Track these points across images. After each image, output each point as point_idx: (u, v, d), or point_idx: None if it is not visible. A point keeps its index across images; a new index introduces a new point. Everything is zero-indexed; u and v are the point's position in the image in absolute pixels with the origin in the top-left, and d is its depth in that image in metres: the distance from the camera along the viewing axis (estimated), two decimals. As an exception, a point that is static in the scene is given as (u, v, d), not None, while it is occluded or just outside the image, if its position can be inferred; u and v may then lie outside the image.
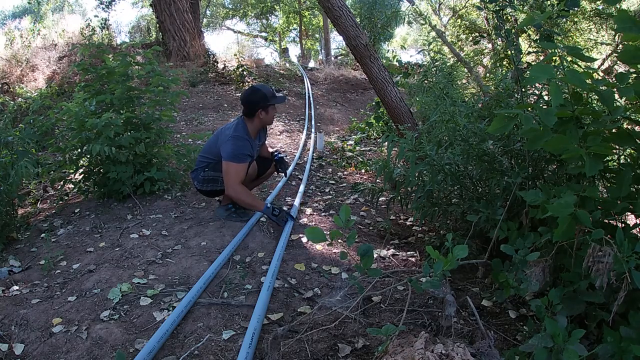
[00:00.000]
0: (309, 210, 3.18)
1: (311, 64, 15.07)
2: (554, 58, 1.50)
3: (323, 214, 3.14)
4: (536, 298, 1.54)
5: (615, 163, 1.61)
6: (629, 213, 1.49)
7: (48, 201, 3.69)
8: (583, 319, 1.52)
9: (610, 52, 8.89)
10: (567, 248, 1.51)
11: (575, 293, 1.47)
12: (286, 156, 4.99)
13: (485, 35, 9.08)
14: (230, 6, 20.92)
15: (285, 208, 3.22)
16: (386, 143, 2.49)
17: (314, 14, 18.30)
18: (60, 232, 2.92)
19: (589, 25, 9.29)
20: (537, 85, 1.97)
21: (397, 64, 7.32)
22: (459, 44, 10.59)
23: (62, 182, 3.46)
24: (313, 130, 6.59)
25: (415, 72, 6.24)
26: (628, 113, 1.49)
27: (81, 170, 3.44)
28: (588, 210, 1.36)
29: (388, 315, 1.83)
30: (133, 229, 2.81)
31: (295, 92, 9.51)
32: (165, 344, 1.64)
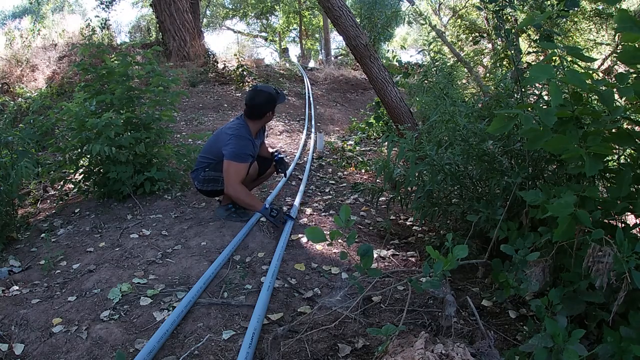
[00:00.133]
0: (309, 210, 3.18)
1: (311, 64, 15.07)
2: (554, 58, 1.50)
3: (323, 214, 3.14)
4: (536, 298, 1.54)
5: (615, 163, 1.61)
6: (629, 213, 1.49)
7: (48, 201, 3.69)
8: (583, 319, 1.52)
9: (610, 52, 8.89)
10: (567, 248, 1.51)
11: (575, 293, 1.47)
12: (286, 156, 4.99)
13: (485, 35, 9.08)
14: (230, 6, 20.92)
15: (285, 208, 3.22)
16: (386, 143, 2.49)
17: (314, 14, 18.30)
18: (60, 232, 2.92)
19: (589, 25, 9.29)
20: (537, 85, 1.97)
21: (397, 64, 7.32)
22: (459, 44, 10.59)
23: (62, 182, 3.46)
24: (313, 130, 6.59)
25: (415, 72, 6.24)
26: (628, 113, 1.49)
27: (81, 170, 3.44)
28: (588, 210, 1.36)
29: (388, 315, 1.83)
30: (133, 229, 2.81)
31: (295, 92, 9.51)
32: (165, 344, 1.64)
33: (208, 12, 20.10)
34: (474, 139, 2.15)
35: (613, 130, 1.42)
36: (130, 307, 1.91)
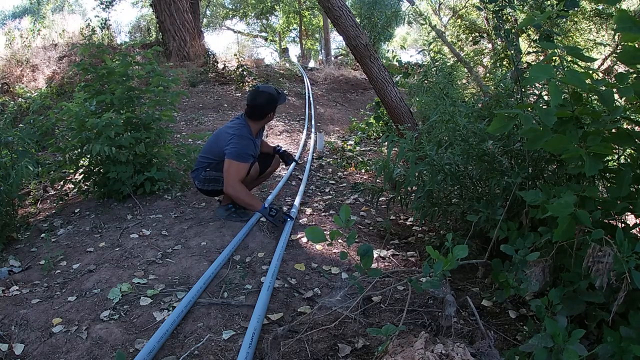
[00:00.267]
0: (309, 210, 3.18)
1: (311, 64, 15.07)
2: (554, 58, 1.50)
3: (323, 214, 3.14)
4: (536, 298, 1.54)
5: (615, 163, 1.61)
6: (629, 213, 1.49)
7: (48, 201, 3.69)
8: (583, 319, 1.52)
9: (610, 52, 8.89)
10: (567, 248, 1.51)
11: (575, 293, 1.47)
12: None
13: (485, 35, 9.08)
14: (230, 6, 20.93)
15: (285, 208, 3.22)
16: (386, 143, 2.49)
17: (314, 14, 18.30)
18: (60, 232, 2.92)
19: (589, 25, 9.29)
20: (537, 85, 1.97)
21: (397, 64, 7.32)
22: (459, 44, 10.59)
23: (62, 182, 3.46)
24: (313, 130, 6.59)
25: (415, 72, 6.24)
26: (628, 113, 1.49)
27: (81, 170, 3.44)
28: (588, 210, 1.36)
29: (388, 315, 1.83)
30: (133, 229, 2.81)
31: (295, 92, 9.51)
32: (165, 344, 1.64)
33: (208, 12, 20.11)
34: (474, 139, 2.15)
35: (613, 130, 1.42)
36: (130, 307, 1.91)
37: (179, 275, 2.19)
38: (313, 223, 2.94)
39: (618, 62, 1.38)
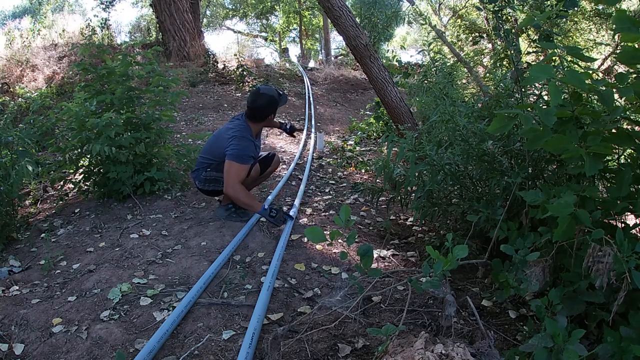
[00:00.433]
0: (309, 210, 3.18)
1: (311, 64, 15.06)
2: (553, 58, 1.50)
3: (323, 214, 3.14)
4: (536, 298, 1.54)
5: (615, 163, 1.61)
6: (629, 213, 1.49)
7: (48, 201, 3.69)
8: (583, 319, 1.52)
9: (610, 52, 8.89)
10: (567, 248, 1.51)
11: (575, 293, 1.47)
12: (284, 157, 4.99)
13: (485, 35, 9.08)
14: (230, 6, 20.92)
15: (285, 208, 3.22)
16: (386, 143, 2.49)
17: (314, 14, 18.29)
18: (60, 232, 2.92)
19: (589, 25, 9.29)
20: (537, 85, 1.97)
21: (397, 64, 7.32)
22: (459, 44, 10.59)
23: (62, 182, 3.46)
24: (313, 130, 6.59)
25: (415, 72, 6.24)
26: (628, 113, 1.49)
27: (81, 170, 3.44)
28: (588, 210, 1.36)
29: (388, 315, 1.84)
30: (133, 229, 2.81)
31: (295, 92, 9.51)
32: (165, 344, 1.64)
33: (208, 12, 20.10)
34: (474, 139, 2.15)
35: (613, 130, 1.42)
36: (130, 307, 1.91)
37: (179, 275, 2.19)
38: (313, 223, 2.94)
39: (618, 62, 1.37)
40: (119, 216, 3.10)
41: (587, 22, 9.07)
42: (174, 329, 1.72)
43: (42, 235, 2.79)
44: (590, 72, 1.41)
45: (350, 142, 5.78)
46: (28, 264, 2.46)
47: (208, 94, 8.79)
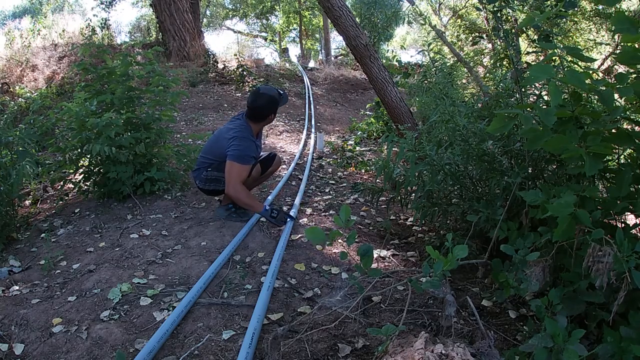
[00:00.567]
0: (309, 210, 3.18)
1: (311, 64, 15.07)
2: (553, 58, 1.50)
3: (323, 214, 3.14)
4: (536, 298, 1.54)
5: (615, 163, 1.61)
6: (629, 213, 1.49)
7: (48, 201, 3.70)
8: (583, 319, 1.52)
9: (610, 52, 8.89)
10: (567, 248, 1.51)
11: (575, 293, 1.47)
12: (284, 157, 4.99)
13: (485, 35, 9.09)
14: (230, 6, 20.93)
15: (285, 208, 3.22)
16: (386, 143, 2.49)
17: (314, 14, 18.29)
18: (60, 232, 2.92)
19: (589, 25, 9.30)
20: (536, 85, 1.97)
21: (397, 64, 7.32)
22: (459, 44, 10.60)
23: (62, 182, 3.46)
24: (313, 130, 6.59)
25: (415, 72, 6.24)
26: (628, 113, 1.49)
27: (81, 170, 3.44)
28: (588, 210, 1.36)
29: (388, 315, 1.84)
30: (133, 229, 2.81)
31: (295, 92, 9.52)
32: (165, 344, 1.64)
33: (208, 12, 20.10)
34: (473, 139, 2.15)
35: (613, 130, 1.42)
36: (130, 307, 1.91)
37: (179, 275, 2.19)
38: (313, 223, 2.94)
39: (618, 62, 1.37)
40: (119, 216, 3.10)
41: (587, 22, 9.08)
42: (174, 329, 1.72)
43: (42, 235, 2.79)
44: (590, 72, 1.41)
45: (350, 142, 5.78)
46: (28, 264, 2.46)
47: (208, 94, 8.79)
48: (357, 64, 4.28)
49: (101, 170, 3.35)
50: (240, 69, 9.42)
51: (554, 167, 1.92)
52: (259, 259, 2.39)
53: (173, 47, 10.37)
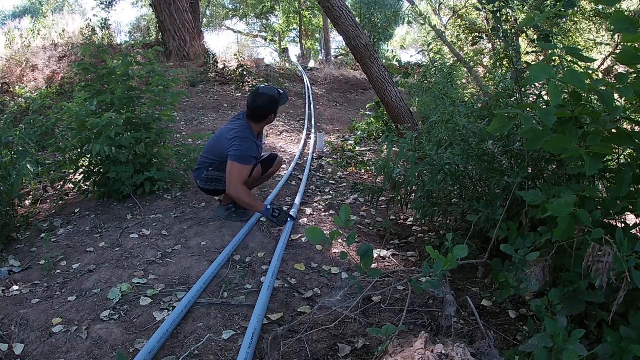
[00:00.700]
0: (309, 210, 3.18)
1: (311, 64, 15.06)
2: (553, 58, 1.50)
3: (323, 214, 3.14)
4: (536, 298, 1.54)
5: (615, 163, 1.61)
6: (629, 213, 1.49)
7: (48, 201, 3.69)
8: (583, 319, 1.52)
9: (610, 52, 8.90)
10: (567, 248, 1.51)
11: (575, 293, 1.47)
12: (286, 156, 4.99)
13: (485, 35, 9.09)
14: (230, 6, 20.93)
15: (285, 208, 3.22)
16: (386, 143, 2.49)
17: (314, 14, 18.29)
18: (60, 232, 2.92)
19: (589, 25, 9.30)
20: (536, 85, 1.97)
21: (397, 64, 7.32)
22: (459, 44, 10.60)
23: (62, 182, 3.46)
24: (313, 130, 6.59)
25: (415, 72, 6.24)
26: (628, 113, 1.49)
27: (81, 170, 3.44)
28: (588, 210, 1.36)
29: (388, 315, 1.84)
30: (133, 229, 2.81)
31: (295, 92, 9.51)
32: (165, 344, 1.64)
33: (208, 12, 20.10)
34: (473, 139, 2.15)
35: (613, 130, 1.42)
36: (130, 307, 1.91)
37: (179, 275, 2.19)
38: (313, 223, 2.94)
39: (618, 62, 1.38)
40: (119, 216, 3.10)
41: (587, 22, 9.08)
42: (174, 329, 1.72)
43: (42, 235, 2.79)
44: (590, 72, 1.41)
45: (350, 142, 5.78)
46: (28, 264, 2.46)
47: (208, 94, 8.79)
48: (357, 64, 4.28)
49: (101, 170, 3.35)
50: (240, 69, 9.42)
51: (554, 167, 1.92)
52: (259, 259, 2.39)
53: (173, 47, 10.37)
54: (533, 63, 2.10)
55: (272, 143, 5.76)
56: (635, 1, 9.04)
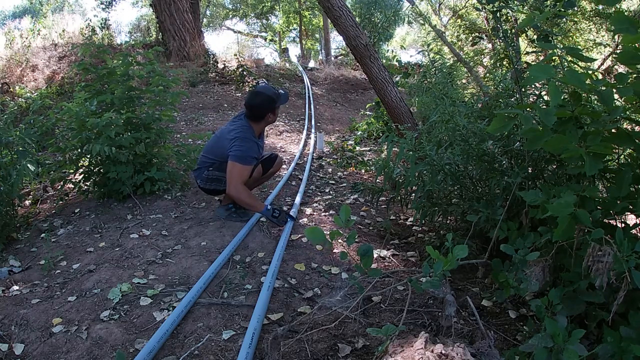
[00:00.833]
0: (309, 210, 3.18)
1: (311, 64, 15.06)
2: (553, 58, 1.50)
3: (323, 214, 3.14)
4: (536, 298, 1.54)
5: (615, 163, 1.61)
6: (628, 213, 1.49)
7: (48, 201, 3.69)
8: (583, 319, 1.52)
9: (610, 52, 8.90)
10: (567, 248, 1.51)
11: (575, 293, 1.47)
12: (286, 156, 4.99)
13: (485, 35, 9.09)
14: (230, 6, 20.93)
15: (285, 208, 3.22)
16: (386, 143, 2.49)
17: (314, 14, 18.29)
18: (60, 232, 2.92)
19: (589, 26, 9.30)
20: (536, 85, 1.97)
21: (397, 64, 7.32)
22: (459, 44, 10.60)
23: (62, 182, 3.46)
24: (313, 130, 6.60)
25: (415, 72, 6.24)
26: (628, 113, 1.49)
27: (81, 170, 3.44)
28: (588, 210, 1.36)
29: (388, 315, 1.84)
30: (133, 229, 2.81)
31: (295, 92, 9.51)
32: (165, 344, 1.64)
33: (208, 12, 20.11)
34: (473, 139, 2.15)
35: (613, 130, 1.42)
36: (130, 307, 1.91)
37: (179, 275, 2.19)
38: (313, 223, 2.94)
39: (618, 62, 1.38)
40: (119, 216, 3.10)
41: (587, 22, 9.08)
42: (174, 329, 1.72)
43: (42, 235, 2.79)
44: (590, 72, 1.41)
45: (350, 142, 5.78)
46: (28, 264, 2.46)
47: (208, 94, 8.79)
48: (357, 64, 4.28)
49: (101, 170, 3.35)
50: (240, 69, 9.42)
51: (554, 167, 1.92)
52: (259, 259, 2.39)
53: (173, 47, 10.37)
54: (533, 63, 2.10)
55: (272, 143, 5.76)
56: (635, 1, 9.04)
